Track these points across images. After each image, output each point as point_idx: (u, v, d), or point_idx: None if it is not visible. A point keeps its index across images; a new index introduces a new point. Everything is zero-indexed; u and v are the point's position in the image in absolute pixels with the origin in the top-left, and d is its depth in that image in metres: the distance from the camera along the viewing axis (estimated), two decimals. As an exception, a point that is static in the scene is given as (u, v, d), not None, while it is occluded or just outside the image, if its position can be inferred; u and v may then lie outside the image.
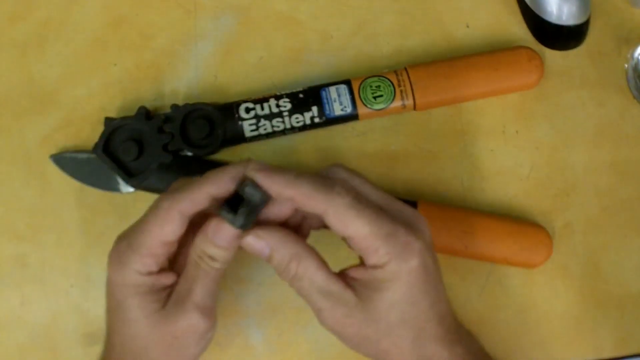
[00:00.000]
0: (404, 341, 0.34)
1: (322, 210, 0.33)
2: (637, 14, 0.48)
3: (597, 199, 0.45)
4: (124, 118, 0.43)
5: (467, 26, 0.47)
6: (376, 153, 0.45)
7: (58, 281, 0.43)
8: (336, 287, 0.33)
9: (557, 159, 0.45)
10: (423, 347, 0.34)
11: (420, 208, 0.42)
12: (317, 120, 0.43)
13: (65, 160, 0.44)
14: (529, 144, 0.45)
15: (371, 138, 0.45)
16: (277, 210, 0.34)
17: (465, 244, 0.42)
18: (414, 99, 0.44)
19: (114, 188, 0.44)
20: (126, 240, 0.34)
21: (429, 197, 0.44)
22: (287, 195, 0.33)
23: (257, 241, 0.34)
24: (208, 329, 0.35)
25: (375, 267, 0.33)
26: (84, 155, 0.44)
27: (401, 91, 0.43)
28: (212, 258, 0.34)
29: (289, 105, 0.43)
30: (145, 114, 0.43)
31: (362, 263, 0.34)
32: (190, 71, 0.46)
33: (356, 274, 0.34)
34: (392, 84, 0.43)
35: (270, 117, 0.43)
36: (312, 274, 0.33)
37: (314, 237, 0.37)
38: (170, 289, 0.35)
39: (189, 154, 0.43)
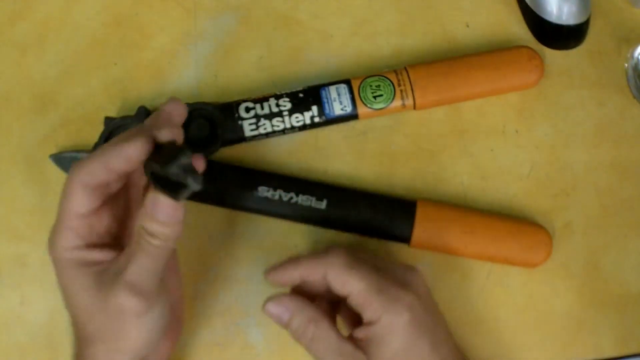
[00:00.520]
0: None
1: (323, 273, 0.36)
2: (637, 13, 0.48)
3: (597, 199, 0.45)
4: (124, 117, 0.43)
5: (467, 26, 0.47)
6: (376, 153, 0.45)
7: (58, 281, 0.43)
8: (348, 347, 0.36)
9: (557, 159, 0.45)
10: None
11: (420, 208, 0.42)
12: (317, 119, 0.43)
13: (65, 160, 0.44)
14: (529, 143, 0.45)
15: (371, 138, 0.45)
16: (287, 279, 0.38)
17: (465, 244, 0.42)
18: (414, 98, 0.44)
19: (114, 187, 0.44)
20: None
21: (429, 197, 0.44)
22: (298, 274, 0.37)
23: (278, 307, 0.37)
24: (142, 311, 0.33)
25: (371, 322, 0.36)
26: (84, 155, 0.44)
27: (401, 91, 0.43)
28: (150, 234, 0.32)
29: (289, 105, 0.43)
30: (145, 113, 0.43)
31: (362, 324, 0.37)
32: (190, 70, 0.46)
33: (359, 334, 0.36)
34: (392, 84, 0.43)
35: (270, 116, 0.43)
36: (327, 336, 0.36)
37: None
38: (109, 264, 0.34)
39: (189, 153, 0.43)
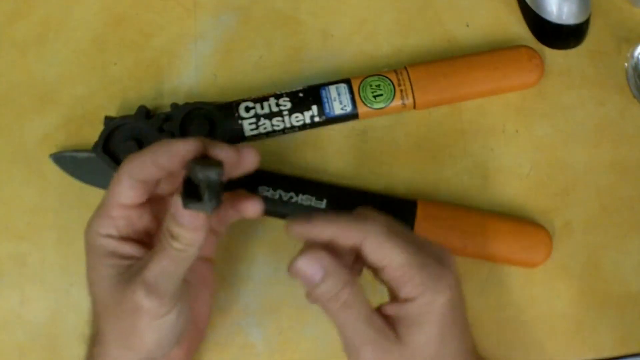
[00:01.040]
0: None
1: (360, 240, 0.33)
2: (637, 13, 0.47)
3: (597, 198, 0.45)
4: (123, 117, 0.43)
5: (467, 25, 0.47)
6: (376, 152, 0.45)
7: (58, 280, 0.43)
8: (379, 321, 0.33)
9: (557, 158, 0.45)
10: None
11: (420, 207, 0.42)
12: (317, 119, 0.43)
13: (65, 159, 0.44)
14: (529, 143, 0.45)
15: (371, 137, 0.45)
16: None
17: (465, 244, 0.42)
18: (414, 98, 0.44)
19: (114, 187, 0.44)
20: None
21: (429, 197, 0.44)
22: (329, 234, 0.33)
23: (311, 263, 0.33)
24: (157, 313, 0.33)
25: (407, 300, 0.33)
26: (84, 154, 0.44)
27: (401, 90, 0.43)
28: (173, 236, 0.32)
29: (288, 104, 0.43)
30: (145, 113, 0.43)
31: (393, 300, 0.34)
32: (190, 70, 0.46)
33: (390, 310, 0.34)
34: (392, 83, 0.43)
35: (270, 116, 0.43)
36: (361, 304, 0.33)
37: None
38: (135, 260, 0.34)
39: (189, 153, 0.43)
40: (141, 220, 0.35)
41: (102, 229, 0.34)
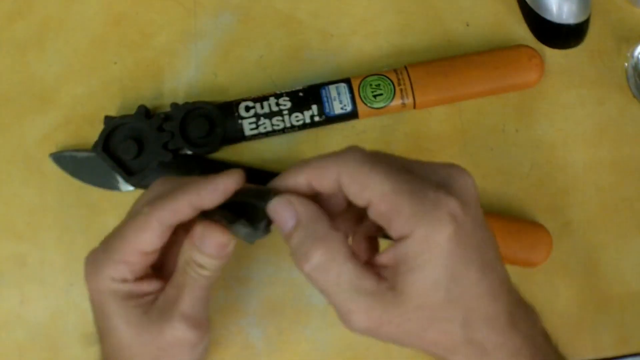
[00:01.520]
0: (452, 326, 0.27)
1: (336, 175, 0.28)
2: (637, 12, 0.47)
3: (597, 198, 0.45)
4: (123, 117, 0.43)
5: (467, 25, 0.47)
6: (376, 152, 0.45)
7: (58, 280, 0.43)
8: (369, 281, 0.27)
9: (557, 158, 0.45)
10: (473, 331, 0.27)
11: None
12: (317, 118, 0.43)
13: (65, 159, 0.44)
14: (529, 142, 0.45)
15: (371, 137, 0.45)
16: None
17: (465, 243, 0.42)
18: (413, 97, 0.44)
19: (114, 187, 0.44)
20: (103, 244, 0.33)
21: (429, 196, 0.44)
22: (303, 180, 0.29)
23: (285, 208, 0.29)
24: (197, 342, 0.32)
25: (401, 238, 0.27)
26: (84, 154, 0.44)
27: (401, 90, 0.43)
28: (200, 266, 0.31)
29: (288, 104, 0.43)
30: (145, 112, 0.43)
31: (389, 247, 0.28)
32: (190, 70, 0.46)
33: (384, 259, 0.28)
34: (392, 83, 0.43)
35: (270, 115, 0.43)
36: (340, 265, 0.27)
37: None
38: (155, 295, 0.33)
39: (189, 152, 0.43)
40: (154, 257, 0.33)
41: (116, 274, 0.32)
